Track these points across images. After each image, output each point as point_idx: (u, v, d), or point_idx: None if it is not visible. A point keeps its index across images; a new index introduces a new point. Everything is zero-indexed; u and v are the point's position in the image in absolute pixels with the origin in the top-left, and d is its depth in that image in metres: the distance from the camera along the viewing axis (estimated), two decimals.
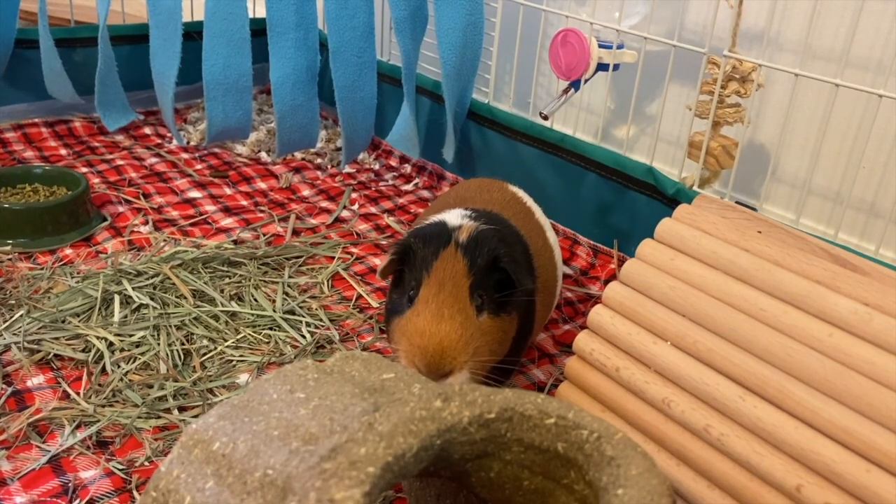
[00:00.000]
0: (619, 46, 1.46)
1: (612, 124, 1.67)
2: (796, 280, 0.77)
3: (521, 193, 1.26)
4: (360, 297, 1.33)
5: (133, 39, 1.86)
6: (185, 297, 1.24)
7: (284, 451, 0.58)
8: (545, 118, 1.52)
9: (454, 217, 1.01)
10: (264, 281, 1.33)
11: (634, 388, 0.81)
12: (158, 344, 1.14)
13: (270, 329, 1.22)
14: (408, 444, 0.56)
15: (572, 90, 1.51)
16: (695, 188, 1.35)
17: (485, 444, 0.62)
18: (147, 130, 1.91)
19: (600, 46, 1.45)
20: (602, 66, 1.47)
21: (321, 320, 1.25)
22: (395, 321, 0.92)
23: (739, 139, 1.32)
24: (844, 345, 0.72)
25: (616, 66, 1.48)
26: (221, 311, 1.23)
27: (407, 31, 1.58)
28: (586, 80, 1.49)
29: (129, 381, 1.07)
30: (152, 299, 1.22)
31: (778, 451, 0.72)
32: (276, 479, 0.57)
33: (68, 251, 1.37)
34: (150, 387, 1.06)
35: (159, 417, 1.01)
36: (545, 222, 1.23)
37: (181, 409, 1.03)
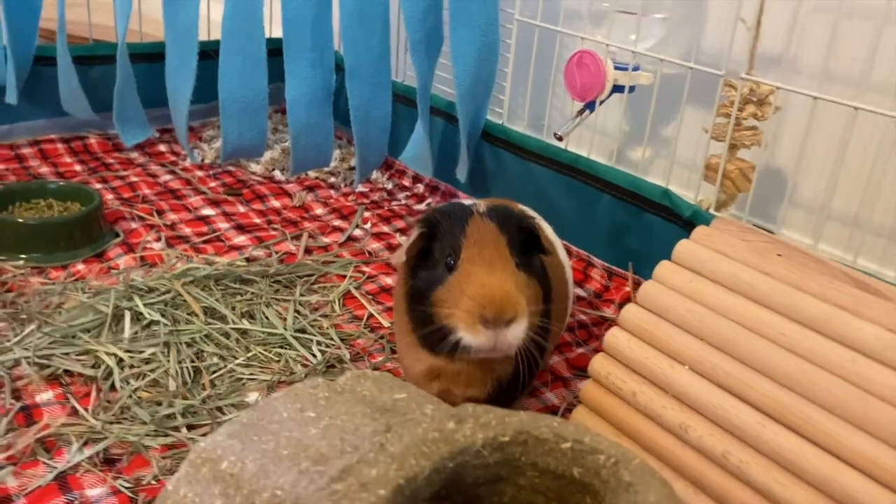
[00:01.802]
0: (635, 68, 1.46)
1: (627, 146, 1.66)
2: (817, 304, 0.75)
3: (529, 211, 1.26)
4: (371, 316, 1.32)
5: (150, 58, 1.87)
6: (196, 314, 1.23)
7: (294, 471, 0.57)
8: (559, 139, 1.51)
9: (465, 202, 1.02)
10: (276, 299, 1.33)
11: (651, 412, 0.80)
12: (168, 361, 1.13)
13: (281, 347, 1.21)
14: (420, 466, 0.55)
15: (587, 111, 1.51)
16: (711, 211, 1.33)
17: (498, 468, 0.61)
18: (162, 148, 1.91)
19: (616, 68, 1.45)
20: (617, 88, 1.46)
21: (332, 339, 1.24)
22: (437, 292, 0.90)
23: (757, 162, 1.31)
24: (867, 371, 0.70)
25: (632, 89, 1.47)
26: (232, 329, 1.22)
27: (422, 52, 1.58)
28: (601, 102, 1.48)
29: (138, 398, 1.06)
30: (163, 316, 1.22)
31: (800, 480, 0.70)
32: (284, 500, 0.55)
33: (80, 267, 1.37)
34: (159, 404, 1.05)
35: (167, 435, 1.00)
36: (556, 241, 1.22)
37: (190, 427, 1.02)
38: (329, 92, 1.64)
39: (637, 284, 1.43)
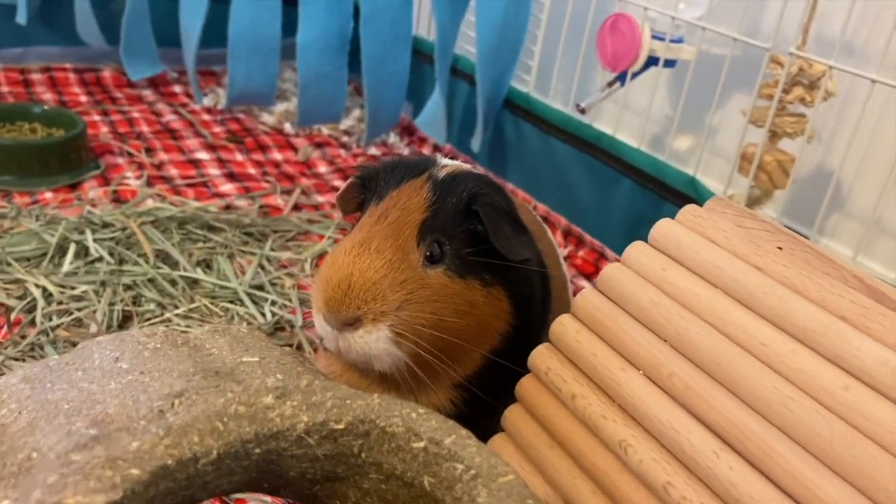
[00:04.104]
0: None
1: (661, 128, 1.48)
2: (814, 312, 0.59)
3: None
4: None
5: None
6: (147, 256, 1.13)
7: (62, 430, 0.45)
8: (582, 111, 1.35)
9: (447, 160, 0.81)
10: (242, 251, 1.21)
11: (590, 422, 0.64)
12: (99, 301, 1.03)
13: (231, 302, 1.09)
14: (205, 446, 0.42)
15: (618, 84, 1.34)
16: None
17: (332, 464, 0.47)
18: (177, 89, 1.83)
19: (654, 37, 1.28)
20: (653, 61, 1.29)
21: (289, 300, 1.11)
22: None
23: (805, 159, 1.12)
24: (863, 404, 0.53)
25: (670, 63, 1.30)
26: (181, 276, 1.11)
27: (445, 3, 1.44)
28: (634, 75, 1.31)
29: (55, 336, 0.96)
30: (111, 254, 1.12)
31: None
32: (33, 466, 0.43)
33: (48, 195, 1.28)
34: (75, 345, 0.95)
35: None
36: (543, 225, 1.02)
37: None
38: (345, 40, 1.52)
39: None
